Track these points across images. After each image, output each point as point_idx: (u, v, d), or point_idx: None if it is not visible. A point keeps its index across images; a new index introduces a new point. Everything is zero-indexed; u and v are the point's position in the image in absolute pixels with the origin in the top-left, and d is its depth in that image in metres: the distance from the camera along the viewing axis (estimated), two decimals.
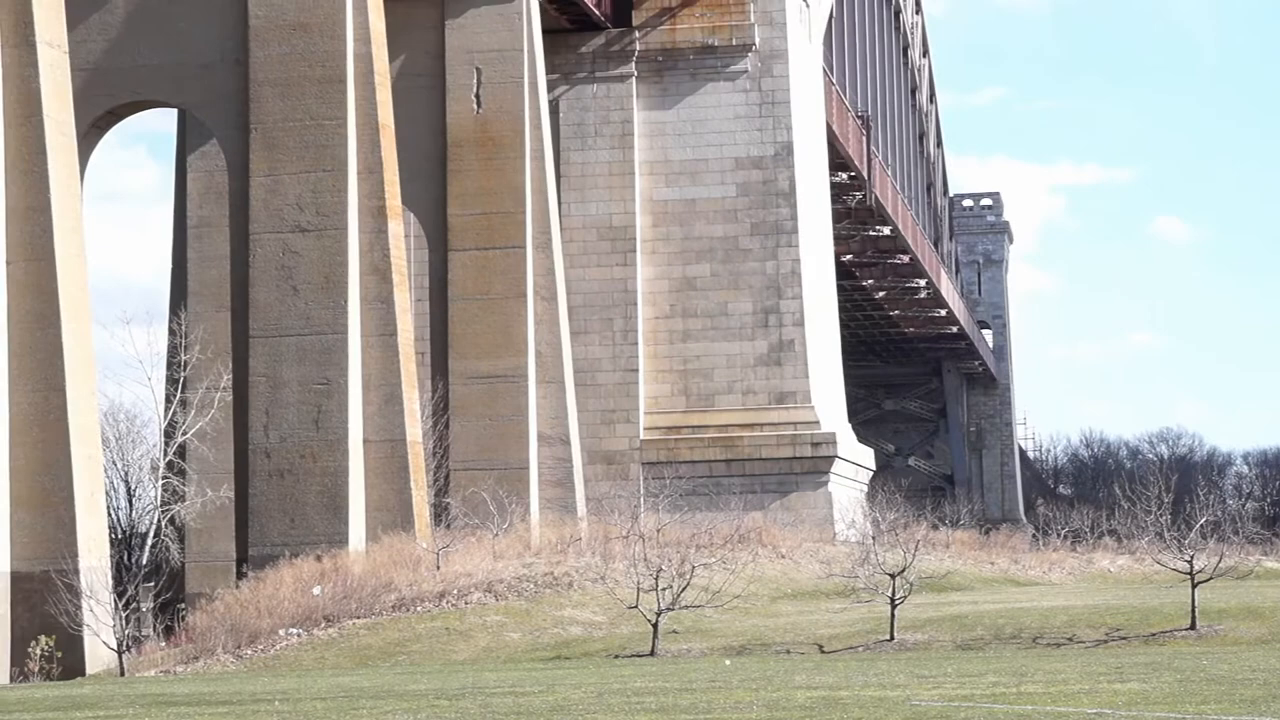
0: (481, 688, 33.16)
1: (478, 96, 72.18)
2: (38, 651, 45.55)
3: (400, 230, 60.18)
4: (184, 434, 58.90)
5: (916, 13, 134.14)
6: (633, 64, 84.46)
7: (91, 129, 59.47)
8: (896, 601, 46.12)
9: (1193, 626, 44.18)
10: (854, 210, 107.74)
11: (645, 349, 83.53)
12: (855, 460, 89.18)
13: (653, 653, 44.71)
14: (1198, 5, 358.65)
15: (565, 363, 73.24)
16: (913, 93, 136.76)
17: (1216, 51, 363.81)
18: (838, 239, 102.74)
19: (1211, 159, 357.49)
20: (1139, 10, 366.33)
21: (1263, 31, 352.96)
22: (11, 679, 45.55)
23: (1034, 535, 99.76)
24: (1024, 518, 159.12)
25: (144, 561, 57.64)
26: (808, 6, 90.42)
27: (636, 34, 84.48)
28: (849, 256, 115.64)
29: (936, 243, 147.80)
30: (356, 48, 58.29)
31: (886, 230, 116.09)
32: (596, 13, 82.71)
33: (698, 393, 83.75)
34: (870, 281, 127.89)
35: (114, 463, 60.00)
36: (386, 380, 58.59)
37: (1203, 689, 27.54)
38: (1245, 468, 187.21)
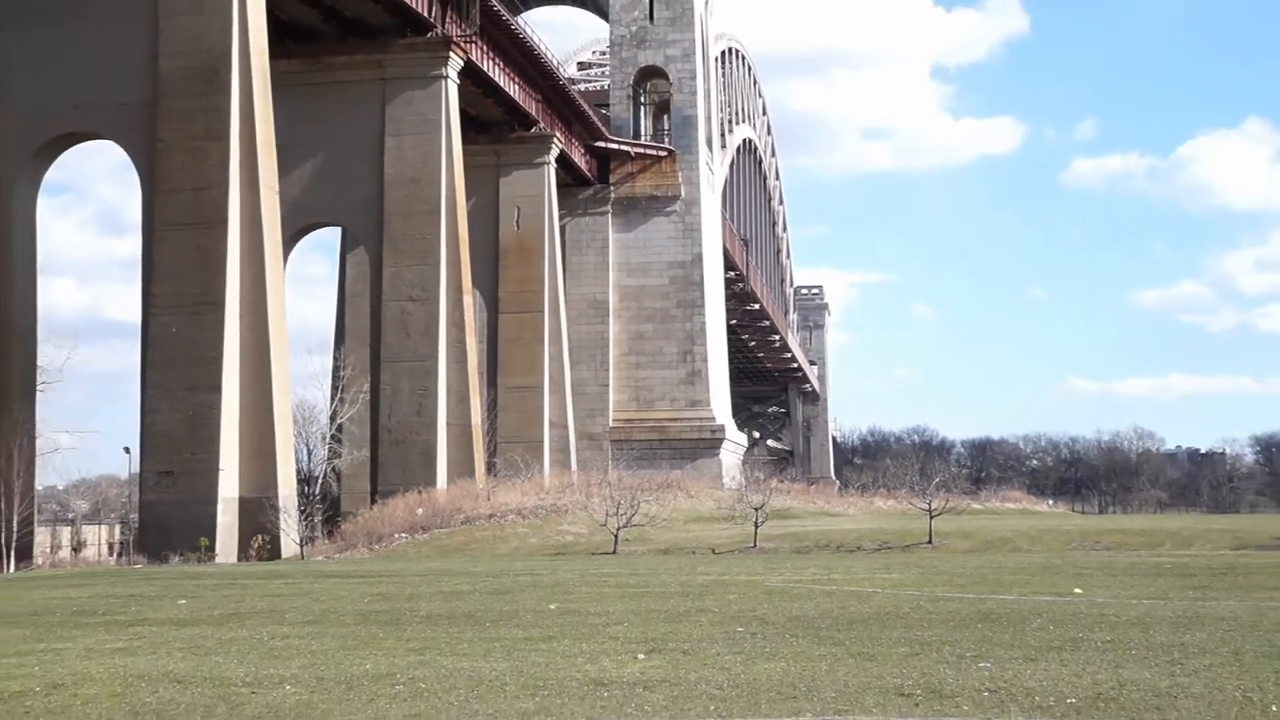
0: (512, 570, 32.98)
1: (518, 222, 72.64)
2: (255, 545, 45.58)
3: (470, 301, 60.36)
4: (341, 419, 59.09)
5: (776, 179, 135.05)
6: (609, 205, 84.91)
7: (290, 238, 59.30)
8: (758, 524, 45.52)
9: (930, 542, 43.50)
10: (738, 294, 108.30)
11: (614, 373, 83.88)
12: (736, 441, 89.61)
13: (614, 552, 43.99)
14: (932, 181, 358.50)
15: (566, 381, 73.60)
16: (773, 225, 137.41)
17: (940, 209, 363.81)
18: (728, 310, 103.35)
19: (945, 270, 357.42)
20: (891, 188, 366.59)
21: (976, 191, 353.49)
22: (239, 559, 45.72)
23: (839, 487, 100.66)
24: (835, 477, 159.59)
25: (317, 493, 57.56)
26: (713, 173, 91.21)
27: (611, 188, 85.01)
28: (734, 321, 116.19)
29: (786, 313, 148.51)
30: (447, 192, 58.48)
31: (757, 306, 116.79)
32: (589, 175, 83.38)
33: (644, 399, 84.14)
34: (746, 336, 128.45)
35: (300, 435, 59.59)
36: (460, 389, 58.69)
37: (934, 578, 27.18)
38: (963, 450, 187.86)
